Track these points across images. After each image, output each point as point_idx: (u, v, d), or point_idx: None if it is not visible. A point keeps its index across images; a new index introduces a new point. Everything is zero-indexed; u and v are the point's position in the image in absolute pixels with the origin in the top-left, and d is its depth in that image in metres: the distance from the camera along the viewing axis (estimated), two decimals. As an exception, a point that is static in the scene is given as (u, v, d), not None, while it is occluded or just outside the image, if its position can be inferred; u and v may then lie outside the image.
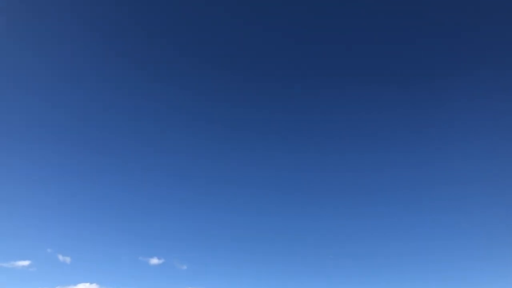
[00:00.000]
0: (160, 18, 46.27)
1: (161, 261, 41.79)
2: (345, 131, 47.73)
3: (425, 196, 43.61)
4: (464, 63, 44.89)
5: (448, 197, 42.60)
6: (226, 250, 44.41)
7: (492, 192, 41.97)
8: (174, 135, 48.65)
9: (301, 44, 47.70)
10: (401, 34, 46.00)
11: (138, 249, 43.27)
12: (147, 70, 46.92)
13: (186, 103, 48.57)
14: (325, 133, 48.05)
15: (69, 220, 43.51)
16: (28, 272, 38.45)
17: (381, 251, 42.38)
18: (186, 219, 45.79)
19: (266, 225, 45.31)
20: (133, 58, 46.55)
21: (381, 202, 44.81)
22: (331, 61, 48.04)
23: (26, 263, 38.49)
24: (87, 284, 37.87)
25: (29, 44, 42.15)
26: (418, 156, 45.26)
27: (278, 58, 48.59)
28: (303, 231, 44.54)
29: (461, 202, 42.45)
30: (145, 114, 47.34)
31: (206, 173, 47.29)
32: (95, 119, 46.21)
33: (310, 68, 48.36)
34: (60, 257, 39.57)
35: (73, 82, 44.70)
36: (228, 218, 45.72)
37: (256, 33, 48.05)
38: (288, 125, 48.59)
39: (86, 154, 45.58)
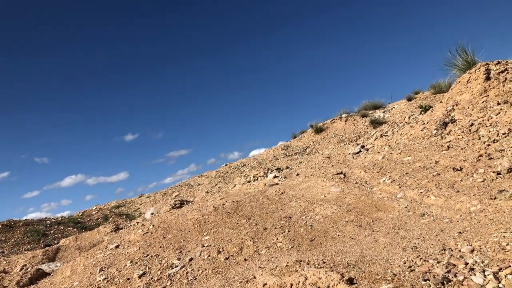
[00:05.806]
0: None
1: (135, 136, 40.04)
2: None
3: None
4: None
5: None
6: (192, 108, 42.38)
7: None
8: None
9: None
10: None
11: (111, 131, 42.35)
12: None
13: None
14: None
15: (34, 121, 40.04)
16: (10, 182, 36.93)
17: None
18: (149, 92, 42.54)
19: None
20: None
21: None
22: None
23: (5, 174, 37.12)
24: (73, 176, 36.70)
25: None
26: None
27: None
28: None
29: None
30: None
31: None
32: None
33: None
34: (37, 160, 37.54)
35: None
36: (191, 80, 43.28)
37: None
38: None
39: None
